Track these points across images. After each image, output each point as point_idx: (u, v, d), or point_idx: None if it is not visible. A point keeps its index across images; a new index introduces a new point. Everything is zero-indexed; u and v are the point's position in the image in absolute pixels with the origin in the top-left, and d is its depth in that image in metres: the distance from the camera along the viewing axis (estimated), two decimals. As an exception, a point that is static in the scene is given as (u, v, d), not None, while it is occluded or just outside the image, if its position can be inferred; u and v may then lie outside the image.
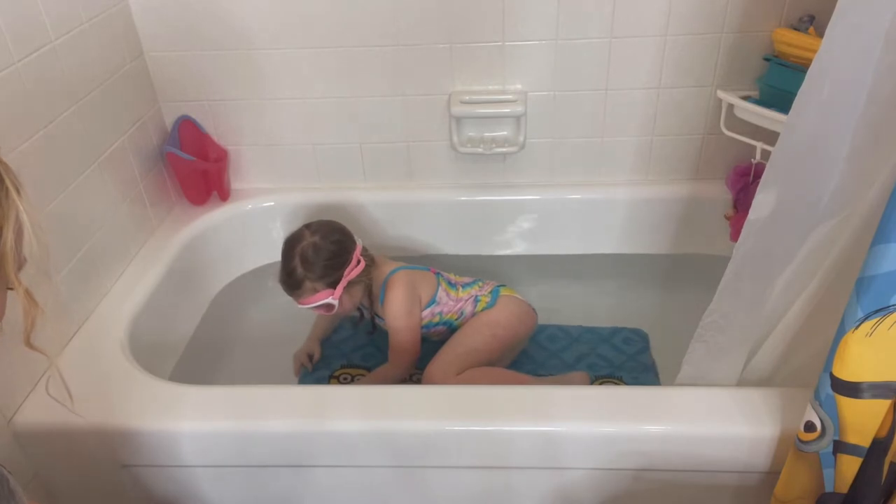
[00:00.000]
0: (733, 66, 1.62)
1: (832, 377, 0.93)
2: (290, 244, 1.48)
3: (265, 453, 1.19)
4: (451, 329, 1.59)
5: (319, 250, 1.46)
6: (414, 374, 1.57)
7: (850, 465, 0.98)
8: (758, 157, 1.58)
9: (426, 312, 1.57)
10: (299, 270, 1.45)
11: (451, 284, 1.61)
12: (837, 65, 0.92)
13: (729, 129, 1.62)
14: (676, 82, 1.66)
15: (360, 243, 1.53)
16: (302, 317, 1.77)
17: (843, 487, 1.01)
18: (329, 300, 1.46)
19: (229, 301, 1.81)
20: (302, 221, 1.84)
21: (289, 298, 1.51)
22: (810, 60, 0.95)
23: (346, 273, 1.48)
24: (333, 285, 1.46)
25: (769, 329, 1.16)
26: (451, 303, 1.59)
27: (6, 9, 1.18)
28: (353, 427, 1.15)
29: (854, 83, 0.92)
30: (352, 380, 1.59)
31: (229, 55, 1.66)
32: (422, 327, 1.56)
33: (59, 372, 0.81)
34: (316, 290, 1.46)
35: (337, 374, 1.60)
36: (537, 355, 1.62)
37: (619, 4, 1.56)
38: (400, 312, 1.51)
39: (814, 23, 1.49)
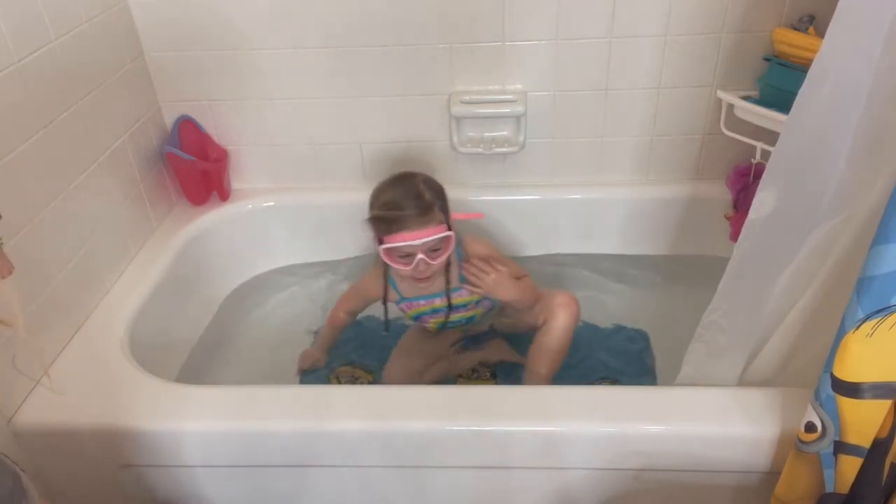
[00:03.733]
0: (733, 66, 1.62)
1: (833, 377, 0.93)
2: (406, 175, 1.40)
3: (265, 453, 1.19)
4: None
5: (438, 183, 1.40)
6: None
7: (850, 466, 0.98)
8: (758, 157, 1.58)
9: None
10: (428, 195, 1.33)
11: None
12: (838, 65, 0.92)
13: (729, 129, 1.62)
14: (676, 82, 1.66)
15: None
16: (303, 316, 1.77)
17: (844, 488, 1.00)
18: (451, 234, 1.33)
19: (229, 300, 1.81)
20: (302, 221, 1.87)
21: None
22: (810, 60, 0.95)
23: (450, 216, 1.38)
24: (449, 227, 1.35)
25: (770, 330, 1.15)
26: None
27: (6, 9, 1.18)
28: (353, 427, 1.15)
29: (854, 83, 0.92)
30: (353, 379, 1.59)
31: (229, 55, 1.66)
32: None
33: (24, 336, 0.73)
34: (441, 223, 1.33)
35: (337, 373, 1.60)
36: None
37: (619, 4, 1.56)
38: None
39: (814, 23, 1.49)
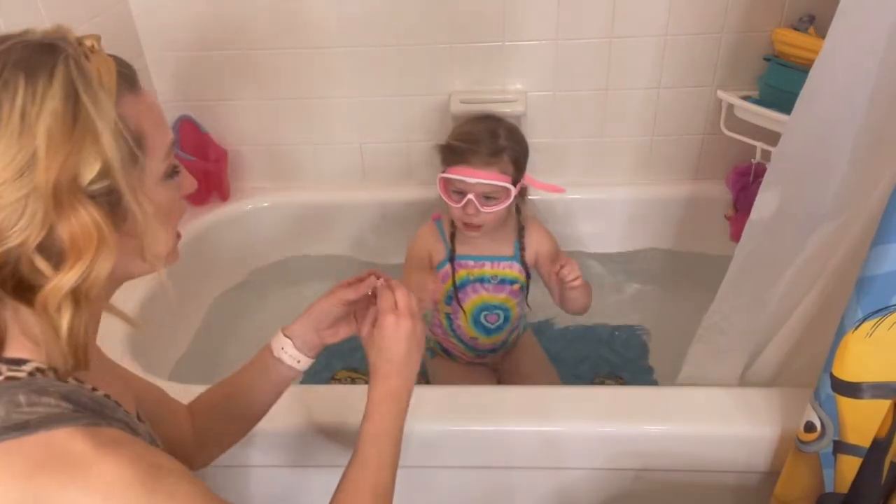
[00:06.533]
0: (733, 66, 1.62)
1: (832, 377, 0.93)
2: (493, 116, 1.38)
3: (262, 453, 1.19)
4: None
5: (523, 137, 1.35)
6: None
7: (850, 465, 0.98)
8: (758, 157, 1.58)
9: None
10: (503, 140, 1.29)
11: None
12: (840, 64, 0.92)
13: (729, 129, 1.62)
14: (676, 82, 1.66)
15: None
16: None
17: (844, 487, 1.00)
18: (510, 186, 1.27)
19: (228, 300, 1.81)
20: (302, 221, 1.87)
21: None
22: (810, 60, 0.95)
23: (523, 179, 1.33)
24: (515, 182, 1.29)
25: (772, 331, 1.15)
26: None
27: (6, 9, 1.19)
28: (353, 427, 1.15)
29: (857, 83, 0.92)
30: (351, 382, 1.59)
31: (229, 55, 1.66)
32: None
33: None
34: (505, 172, 1.28)
35: (338, 376, 1.60)
36: (537, 355, 1.62)
37: (619, 4, 1.56)
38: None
39: (814, 23, 1.49)
